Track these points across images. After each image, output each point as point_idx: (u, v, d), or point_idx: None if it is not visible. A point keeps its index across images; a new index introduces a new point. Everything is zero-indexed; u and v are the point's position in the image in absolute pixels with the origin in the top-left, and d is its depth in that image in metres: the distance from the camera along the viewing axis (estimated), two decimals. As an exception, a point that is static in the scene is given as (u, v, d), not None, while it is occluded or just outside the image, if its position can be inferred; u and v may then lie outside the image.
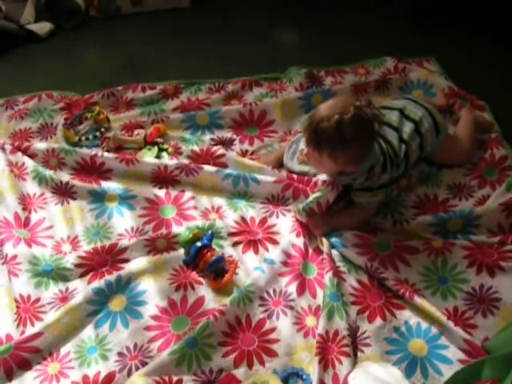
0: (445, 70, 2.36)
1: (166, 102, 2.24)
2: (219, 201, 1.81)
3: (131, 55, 2.60)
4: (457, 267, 1.59)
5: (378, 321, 1.47)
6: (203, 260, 1.57)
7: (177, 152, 1.96)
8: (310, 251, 1.65)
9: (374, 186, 1.66)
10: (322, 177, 1.74)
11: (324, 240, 1.65)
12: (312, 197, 1.68)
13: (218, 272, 1.57)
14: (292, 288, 1.55)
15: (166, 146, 1.99)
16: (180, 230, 1.68)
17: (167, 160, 1.91)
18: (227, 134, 2.06)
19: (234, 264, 1.58)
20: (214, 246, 1.62)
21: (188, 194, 1.83)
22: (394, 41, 2.63)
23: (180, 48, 2.65)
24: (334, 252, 1.63)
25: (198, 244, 1.59)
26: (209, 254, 1.57)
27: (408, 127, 1.77)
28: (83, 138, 2.04)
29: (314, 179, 1.77)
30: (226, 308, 1.46)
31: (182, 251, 1.64)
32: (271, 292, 1.54)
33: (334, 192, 1.68)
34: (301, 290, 1.54)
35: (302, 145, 1.87)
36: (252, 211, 1.77)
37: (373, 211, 1.72)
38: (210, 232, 1.64)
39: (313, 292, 1.55)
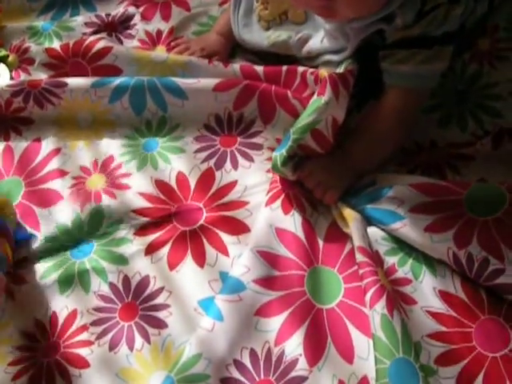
0: None
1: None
2: (109, 147, 0.86)
3: None
4: None
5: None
6: None
7: (24, 60, 0.98)
8: (321, 242, 0.72)
9: (431, 34, 0.71)
10: (322, 66, 0.79)
11: (347, 210, 0.72)
12: (297, 125, 0.73)
13: None
14: (292, 345, 0.64)
15: (2, 53, 1.00)
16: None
17: (4, 81, 0.95)
18: (117, 8, 1.05)
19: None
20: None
21: (47, 146, 0.88)
22: None
23: None
24: (377, 232, 0.71)
25: None
26: None
27: None
28: None
29: (301, 70, 0.81)
30: None
31: (36, 287, 0.75)
32: (246, 362, 0.64)
33: (344, 98, 0.74)
34: (313, 349, 0.64)
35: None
36: (179, 160, 0.82)
37: (425, 99, 0.79)
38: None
39: (343, 349, 0.64)
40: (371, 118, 0.77)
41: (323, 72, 0.76)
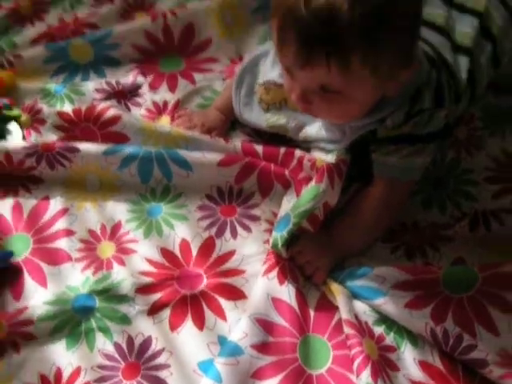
0: None
1: (20, 31, 1.27)
2: (116, 212, 0.92)
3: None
4: None
5: None
6: None
7: (36, 120, 1.04)
8: (312, 312, 0.79)
9: (417, 133, 0.81)
10: (316, 151, 0.88)
11: (335, 286, 0.80)
12: (297, 210, 0.81)
13: None
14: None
15: (15, 112, 1.06)
16: (40, 293, 0.84)
17: (16, 139, 1.02)
18: (126, 78, 1.13)
19: None
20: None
21: (55, 205, 0.94)
22: None
23: None
24: (362, 306, 0.78)
25: None
26: None
27: (466, 25, 0.92)
28: None
29: (299, 154, 0.89)
30: None
31: (43, 343, 0.79)
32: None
33: (337, 185, 0.83)
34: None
35: (265, 72, 0.97)
36: (182, 227, 0.89)
37: (410, 189, 0.88)
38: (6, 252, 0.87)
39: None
40: (360, 207, 0.85)
41: (320, 161, 0.84)
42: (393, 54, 0.69)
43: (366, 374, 0.68)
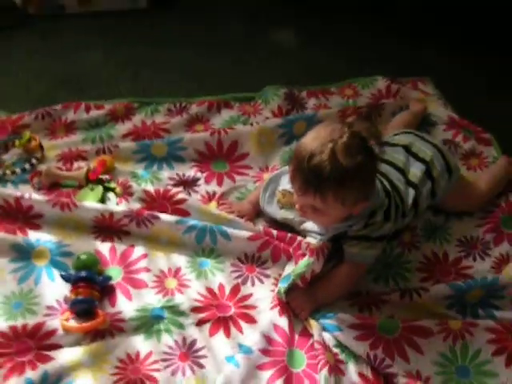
0: (441, 93, 2.04)
1: (114, 126, 1.83)
2: (178, 260, 1.43)
3: (73, 65, 2.18)
4: (480, 355, 1.26)
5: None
6: (74, 291, 1.30)
7: (126, 192, 1.56)
8: (297, 335, 1.28)
9: (371, 236, 1.33)
10: (310, 237, 1.41)
11: (312, 322, 1.29)
12: (295, 273, 1.32)
13: (81, 313, 1.28)
14: (274, 389, 1.18)
15: (112, 185, 1.59)
16: (127, 305, 1.32)
17: (114, 205, 1.53)
18: (190, 171, 1.67)
19: (102, 317, 1.26)
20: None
21: (139, 251, 1.44)
22: (386, 57, 2.30)
23: (134, 58, 2.25)
24: (327, 335, 1.27)
25: (83, 273, 1.32)
26: (81, 289, 1.30)
27: (417, 169, 1.47)
28: (8, 171, 1.62)
29: (299, 239, 1.42)
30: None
31: (132, 334, 1.27)
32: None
33: (321, 260, 1.34)
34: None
35: (283, 183, 1.51)
36: (220, 276, 1.39)
37: (365, 269, 1.38)
38: (106, 276, 1.37)
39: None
40: (334, 275, 1.36)
41: (312, 244, 1.35)
42: (355, 194, 1.22)
43: (325, 371, 1.17)
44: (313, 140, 1.21)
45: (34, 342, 1.22)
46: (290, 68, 2.22)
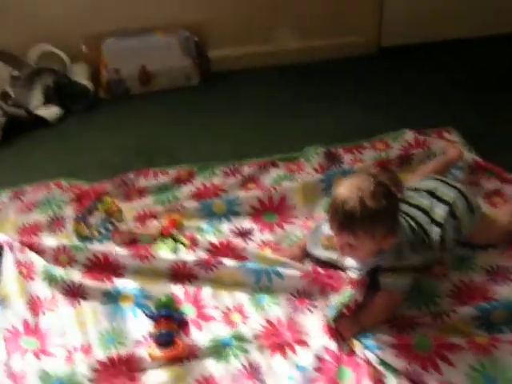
0: (466, 141, 2.28)
1: (179, 189, 2.15)
2: (241, 298, 1.70)
3: (142, 138, 2.54)
4: (506, 365, 1.44)
5: None
6: (158, 326, 1.57)
7: (193, 244, 1.85)
8: (344, 355, 1.51)
9: (402, 267, 1.56)
10: (350, 272, 1.65)
11: (355, 342, 1.53)
12: (340, 302, 1.57)
13: (164, 343, 1.54)
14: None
15: (182, 239, 1.88)
16: (200, 335, 1.58)
17: (185, 255, 1.82)
18: (246, 224, 1.96)
19: (181, 346, 1.53)
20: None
21: (207, 291, 1.72)
22: (410, 111, 2.57)
23: (192, 128, 2.59)
24: (370, 354, 1.49)
25: (163, 312, 1.59)
26: (163, 325, 1.57)
27: (441, 210, 1.70)
28: (95, 231, 1.95)
29: (342, 274, 1.67)
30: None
31: (205, 358, 1.53)
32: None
33: (362, 291, 1.58)
34: None
35: (325, 230, 1.76)
36: (277, 309, 1.65)
37: (402, 297, 1.60)
38: (182, 313, 1.64)
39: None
40: (374, 304, 1.58)
41: (353, 277, 1.60)
42: (382, 230, 1.47)
43: (366, 381, 1.40)
44: (344, 190, 1.47)
45: (126, 367, 1.50)
46: (326, 128, 2.51)
